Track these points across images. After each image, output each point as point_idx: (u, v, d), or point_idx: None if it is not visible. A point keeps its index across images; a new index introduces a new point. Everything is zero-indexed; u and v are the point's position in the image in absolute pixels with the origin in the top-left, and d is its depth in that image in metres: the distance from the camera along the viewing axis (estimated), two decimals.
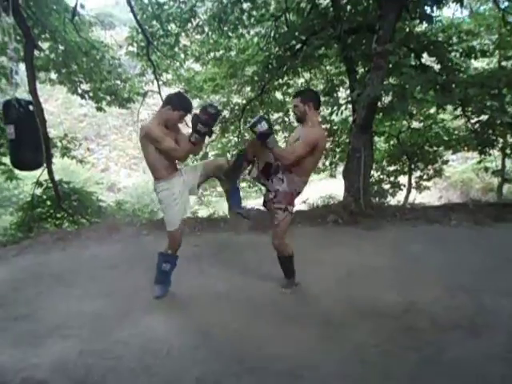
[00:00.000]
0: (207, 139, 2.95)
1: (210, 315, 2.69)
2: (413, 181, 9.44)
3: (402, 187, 9.32)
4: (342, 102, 5.94)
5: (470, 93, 5.02)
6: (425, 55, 6.08)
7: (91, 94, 8.51)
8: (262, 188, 3.43)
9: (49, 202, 7.64)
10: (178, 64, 8.83)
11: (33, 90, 6.18)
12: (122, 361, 2.18)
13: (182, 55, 8.48)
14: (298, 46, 6.58)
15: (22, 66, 6.14)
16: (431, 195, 11.78)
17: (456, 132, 8.41)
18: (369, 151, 5.56)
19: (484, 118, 6.30)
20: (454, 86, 5.30)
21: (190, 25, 7.53)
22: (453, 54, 6.19)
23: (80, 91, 8.43)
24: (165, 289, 3.00)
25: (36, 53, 6.84)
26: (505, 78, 5.36)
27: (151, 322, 2.60)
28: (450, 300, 2.81)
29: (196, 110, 2.76)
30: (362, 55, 6.20)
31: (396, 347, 2.25)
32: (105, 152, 34.32)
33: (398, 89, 5.16)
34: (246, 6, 7.06)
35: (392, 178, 9.47)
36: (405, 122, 8.63)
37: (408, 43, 5.79)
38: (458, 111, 6.78)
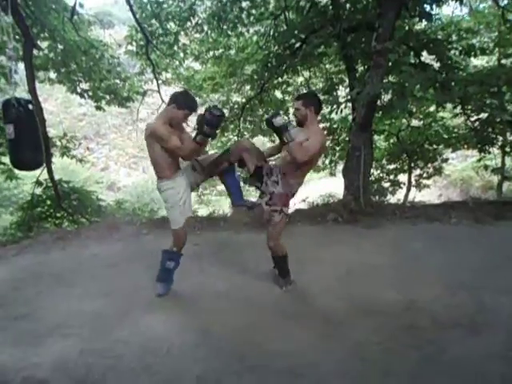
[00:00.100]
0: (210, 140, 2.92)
1: (210, 314, 2.70)
2: (413, 179, 9.44)
3: (401, 185, 9.33)
4: (341, 100, 5.93)
5: (470, 91, 5.01)
6: (424, 53, 6.07)
7: (90, 93, 8.50)
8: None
9: (49, 202, 7.64)
10: (177, 63, 8.82)
11: (32, 90, 6.17)
12: (123, 360, 2.19)
13: (182, 54, 8.46)
14: (298, 45, 6.57)
15: (21, 66, 6.13)
16: (431, 193, 11.79)
17: (456, 130, 8.41)
18: (368, 149, 5.56)
19: (484, 116, 6.29)
20: (453, 84, 5.29)
21: (189, 23, 7.51)
22: (452, 51, 6.18)
23: (79, 90, 8.42)
24: (167, 287, 3.01)
25: (35, 52, 6.84)
26: (504, 76, 5.34)
27: (151, 320, 2.61)
28: (451, 298, 2.81)
29: (201, 111, 2.75)
30: (361, 53, 6.19)
31: (396, 345, 2.26)
32: (104, 151, 34.29)
33: (397, 87, 5.16)
34: (245, 4, 7.04)
35: (392, 177, 9.47)
36: (404, 121, 8.63)
37: (407, 41, 5.78)
38: (458, 109, 6.76)
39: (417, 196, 8.55)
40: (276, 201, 2.85)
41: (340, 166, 8.42)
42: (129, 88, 8.93)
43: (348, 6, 6.10)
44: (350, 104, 6.05)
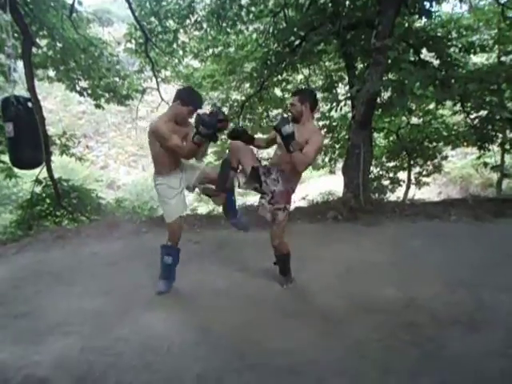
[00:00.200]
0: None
1: (210, 312, 2.70)
2: (412, 177, 9.46)
3: (401, 183, 9.34)
4: (341, 98, 5.94)
5: (470, 88, 5.02)
6: (424, 51, 6.08)
7: (90, 92, 8.49)
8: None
9: (48, 200, 7.64)
10: (176, 61, 8.80)
11: (31, 88, 6.16)
12: (123, 357, 2.19)
13: (181, 52, 8.44)
14: (297, 42, 6.56)
15: (20, 64, 6.13)
16: (431, 191, 11.81)
17: (455, 127, 8.42)
18: (368, 147, 5.56)
19: (483, 113, 6.30)
20: (453, 81, 5.30)
21: (188, 21, 7.50)
22: (452, 49, 6.18)
23: (78, 88, 8.41)
24: (168, 284, 3.02)
25: (34, 50, 6.82)
26: (504, 74, 5.36)
27: (151, 318, 2.61)
28: (450, 296, 2.82)
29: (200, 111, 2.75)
30: (361, 51, 6.18)
31: (396, 343, 2.26)
32: (104, 149, 34.24)
33: (397, 84, 5.16)
34: (244, 1, 7.03)
35: (391, 174, 9.49)
36: (404, 118, 8.63)
37: (407, 38, 5.78)
38: (458, 107, 6.79)
39: (416, 193, 8.57)
40: (279, 198, 2.85)
41: (340, 164, 8.43)
42: (128, 86, 8.91)
43: (347, 3, 6.09)
44: (349, 102, 6.06)
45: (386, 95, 6.02)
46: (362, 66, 6.88)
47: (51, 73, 8.32)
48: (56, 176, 7.38)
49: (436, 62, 5.98)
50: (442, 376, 1.99)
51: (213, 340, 2.35)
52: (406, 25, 6.41)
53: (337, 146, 9.13)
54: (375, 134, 8.48)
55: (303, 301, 2.86)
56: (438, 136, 8.55)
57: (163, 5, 7.41)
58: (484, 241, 3.94)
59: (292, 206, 5.62)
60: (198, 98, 2.83)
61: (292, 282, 3.08)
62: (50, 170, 7.00)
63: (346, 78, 7.07)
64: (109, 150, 34.33)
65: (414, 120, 8.88)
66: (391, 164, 9.55)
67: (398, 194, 8.93)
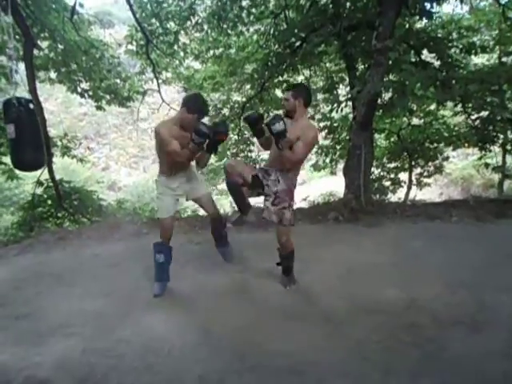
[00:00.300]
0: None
1: (211, 313, 2.70)
2: (413, 177, 9.44)
3: (402, 184, 9.33)
4: (341, 99, 5.94)
5: (471, 89, 5.01)
6: (425, 51, 6.07)
7: (91, 93, 8.50)
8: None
9: (49, 202, 7.64)
10: (177, 62, 8.81)
11: (33, 90, 6.17)
12: (125, 359, 2.19)
13: (182, 53, 8.45)
14: (298, 44, 6.56)
15: (22, 66, 6.14)
16: (432, 192, 11.79)
17: (456, 128, 8.40)
18: (369, 148, 5.55)
19: (484, 114, 6.29)
20: (454, 82, 5.29)
21: (189, 23, 7.51)
22: (453, 50, 6.18)
23: (80, 90, 8.42)
24: (163, 287, 3.03)
25: (35, 52, 6.84)
26: (505, 74, 5.35)
27: (153, 320, 2.61)
28: (451, 296, 2.81)
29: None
30: (361, 52, 6.19)
31: (397, 344, 2.26)
32: (105, 151, 34.30)
33: (398, 85, 5.16)
34: (245, 3, 7.04)
35: (392, 175, 9.47)
36: (405, 119, 8.62)
37: (408, 40, 5.78)
38: (459, 107, 6.76)
39: (417, 194, 8.56)
40: (283, 196, 2.85)
41: (341, 165, 8.41)
42: (129, 88, 8.92)
43: (348, 4, 6.10)
44: (350, 103, 6.05)
45: (386, 96, 6.01)
46: (362, 67, 6.88)
47: (52, 74, 8.33)
48: (57, 177, 7.39)
49: (437, 63, 5.98)
50: (443, 377, 1.98)
51: (214, 341, 2.35)
52: (407, 26, 6.41)
53: (338, 147, 9.11)
54: (376, 135, 8.47)
55: (304, 302, 2.86)
56: (439, 137, 8.53)
57: (164, 6, 7.43)
58: (485, 242, 3.93)
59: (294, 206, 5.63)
60: (204, 106, 2.85)
61: (295, 283, 3.08)
62: (51, 171, 7.01)
63: (347, 79, 7.06)
64: (110, 151, 34.39)
65: (415, 121, 8.87)
66: (392, 165, 9.54)
67: (399, 195, 8.92)
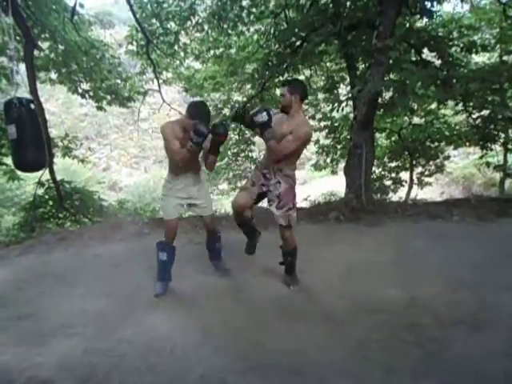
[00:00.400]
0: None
1: (213, 313, 2.70)
2: (414, 177, 9.44)
3: (403, 183, 9.33)
4: (342, 98, 5.94)
5: (471, 88, 5.01)
6: (425, 50, 6.06)
7: (91, 94, 8.50)
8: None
9: (51, 202, 7.65)
10: (177, 62, 8.81)
11: (33, 90, 6.18)
12: (126, 359, 2.20)
13: (182, 53, 8.44)
14: (298, 43, 6.56)
15: (22, 66, 6.14)
16: (433, 191, 11.77)
17: (457, 127, 8.40)
18: (370, 147, 5.55)
19: (485, 112, 6.29)
20: (454, 81, 5.29)
21: (189, 23, 7.51)
22: (453, 48, 6.17)
23: (80, 91, 8.42)
24: (164, 286, 3.04)
25: (36, 53, 6.84)
26: (506, 73, 5.35)
27: (154, 320, 2.61)
28: (452, 296, 2.81)
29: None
30: (362, 51, 6.18)
31: (398, 343, 2.26)
32: (106, 151, 34.32)
33: (398, 85, 5.15)
34: (245, 3, 7.04)
35: (393, 174, 9.47)
36: (406, 118, 8.61)
37: (408, 39, 5.78)
38: (460, 106, 6.76)
39: (419, 194, 8.53)
40: (286, 199, 2.86)
41: (341, 165, 8.42)
42: (130, 88, 8.92)
43: (348, 3, 6.09)
44: (351, 102, 6.05)
45: (387, 95, 6.01)
46: (363, 66, 6.87)
47: (53, 75, 8.33)
48: (58, 178, 7.39)
49: (437, 62, 5.97)
50: (445, 377, 1.98)
51: (216, 341, 2.35)
52: (407, 25, 6.40)
53: (339, 147, 9.12)
54: (377, 135, 8.47)
55: (305, 301, 2.86)
56: (440, 136, 8.53)
57: (164, 7, 7.42)
58: (486, 241, 3.92)
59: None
60: (204, 114, 2.86)
61: (297, 283, 3.08)
62: (52, 172, 7.01)
63: (348, 79, 7.06)
64: (111, 151, 34.42)
65: (416, 120, 8.86)
66: (393, 164, 9.53)
67: (400, 195, 8.91)
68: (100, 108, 8.72)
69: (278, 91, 8.66)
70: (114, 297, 3.00)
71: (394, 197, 8.53)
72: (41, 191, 7.57)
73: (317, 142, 9.43)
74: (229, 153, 9.86)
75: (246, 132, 9.04)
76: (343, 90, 8.07)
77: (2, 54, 6.81)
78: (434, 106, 7.95)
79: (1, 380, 2.07)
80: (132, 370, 2.10)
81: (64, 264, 3.81)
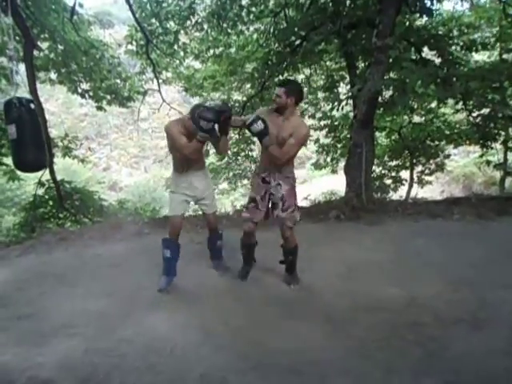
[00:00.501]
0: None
1: (213, 312, 2.70)
2: (414, 175, 9.43)
3: (403, 182, 9.32)
4: (342, 97, 5.94)
5: (471, 86, 5.01)
6: (425, 49, 6.06)
7: (91, 94, 8.50)
8: None
9: (51, 202, 7.66)
10: (177, 62, 8.80)
11: (33, 90, 6.18)
12: (127, 359, 2.20)
13: (182, 53, 8.43)
14: (298, 42, 6.56)
15: (22, 66, 6.14)
16: (433, 190, 11.77)
17: (457, 126, 8.39)
18: (370, 146, 5.55)
19: (485, 111, 6.28)
20: (454, 79, 5.28)
21: (189, 22, 7.49)
22: (453, 47, 6.17)
23: (80, 91, 8.42)
24: (168, 281, 3.09)
25: (35, 53, 6.84)
26: (506, 71, 5.34)
27: (155, 320, 2.61)
28: (453, 294, 2.81)
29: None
30: (362, 50, 6.18)
31: (399, 342, 2.26)
32: (106, 151, 34.37)
33: (398, 83, 5.15)
34: (244, 2, 7.03)
35: (394, 173, 9.47)
36: (406, 117, 8.61)
37: (408, 37, 5.77)
38: (460, 105, 6.76)
39: (419, 192, 8.53)
40: (290, 200, 2.88)
41: (342, 164, 8.42)
42: (129, 88, 8.92)
43: (348, 2, 6.08)
44: (350, 101, 6.05)
45: (387, 94, 6.00)
46: (363, 65, 6.87)
47: (53, 75, 8.33)
48: (58, 178, 7.40)
49: (437, 61, 5.96)
50: (445, 375, 1.98)
51: (216, 341, 2.35)
52: (407, 23, 6.40)
53: (339, 146, 9.12)
54: (377, 133, 8.46)
55: (306, 300, 2.86)
56: (440, 134, 8.52)
57: (164, 6, 7.42)
58: (487, 239, 3.92)
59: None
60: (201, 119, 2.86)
61: (298, 282, 3.08)
62: (52, 172, 7.01)
63: (348, 78, 7.06)
64: (111, 151, 34.46)
65: (416, 119, 8.86)
66: (393, 163, 9.53)
67: (400, 193, 8.91)
68: (100, 108, 8.72)
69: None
70: (114, 297, 3.00)
71: (395, 196, 8.53)
72: (41, 191, 7.57)
73: (317, 140, 9.43)
74: (229, 152, 9.85)
75: (246, 131, 9.02)
76: (343, 88, 8.07)
77: (2, 54, 6.81)
78: (434, 104, 7.94)
79: (1, 380, 2.07)
80: (132, 370, 2.10)
81: (64, 264, 3.81)
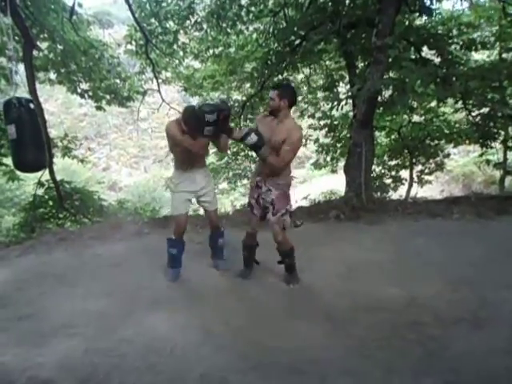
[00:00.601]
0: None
1: (213, 312, 2.70)
2: (414, 175, 9.42)
3: (403, 181, 9.31)
4: (342, 97, 5.92)
5: (471, 85, 5.00)
6: (425, 48, 6.05)
7: (91, 94, 8.49)
8: None
9: (51, 202, 7.65)
10: (177, 61, 8.79)
11: (33, 90, 6.17)
12: (127, 359, 2.20)
13: (181, 53, 8.43)
14: (297, 42, 6.55)
15: (22, 67, 6.14)
16: (433, 189, 11.76)
17: (457, 125, 8.38)
18: (370, 146, 5.55)
19: (485, 110, 6.28)
20: (454, 79, 5.28)
21: (188, 22, 7.49)
22: (453, 46, 6.15)
23: (79, 91, 8.41)
24: (175, 273, 3.20)
25: (35, 53, 6.83)
26: (506, 71, 5.34)
27: (155, 320, 2.61)
28: (453, 294, 2.81)
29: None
30: (361, 49, 6.17)
31: (399, 342, 2.26)
32: (105, 151, 34.35)
33: (398, 83, 5.14)
34: (244, 1, 7.02)
35: (393, 173, 9.46)
36: (405, 116, 8.59)
37: (408, 37, 5.76)
38: (459, 104, 6.75)
39: (419, 192, 8.53)
40: (279, 205, 2.89)
41: (341, 163, 8.41)
42: (129, 88, 8.91)
43: (347, 2, 6.07)
44: (350, 100, 6.04)
45: (387, 94, 5.99)
46: (362, 64, 6.86)
47: (52, 75, 8.32)
48: (58, 178, 7.39)
49: (437, 60, 5.95)
50: (446, 375, 1.98)
51: (216, 340, 2.35)
52: (407, 23, 6.39)
53: (338, 145, 9.10)
54: (377, 133, 8.46)
55: (306, 300, 2.86)
56: (439, 134, 8.51)
57: (163, 6, 7.41)
58: (487, 238, 3.92)
59: (294, 206, 5.62)
60: (192, 121, 2.86)
61: (298, 282, 3.08)
62: (52, 172, 7.01)
63: (347, 77, 7.05)
64: (110, 151, 34.44)
65: (416, 118, 8.85)
66: (393, 162, 9.52)
67: (400, 193, 8.90)
68: (99, 108, 8.71)
69: None
70: (114, 297, 3.00)
71: (394, 195, 8.53)
72: (41, 191, 7.57)
73: (316, 140, 9.42)
74: (228, 152, 9.84)
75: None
76: (343, 88, 8.05)
77: (1, 54, 6.80)
78: (433, 104, 7.93)
79: (1, 380, 2.07)
80: (132, 370, 2.10)
81: (64, 264, 3.81)
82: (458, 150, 15.48)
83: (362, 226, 4.61)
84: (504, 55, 7.72)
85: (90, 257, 3.99)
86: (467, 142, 8.22)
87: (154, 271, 3.34)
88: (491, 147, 7.11)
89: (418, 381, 1.96)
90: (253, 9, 7.12)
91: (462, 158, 17.45)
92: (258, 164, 3.10)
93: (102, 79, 8.28)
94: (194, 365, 2.13)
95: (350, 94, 5.82)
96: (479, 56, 7.82)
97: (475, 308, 2.59)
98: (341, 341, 2.30)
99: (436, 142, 8.84)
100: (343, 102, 5.73)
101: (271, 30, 6.98)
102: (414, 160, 9.23)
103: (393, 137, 9.33)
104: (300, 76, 8.75)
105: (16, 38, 6.32)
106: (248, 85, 8.56)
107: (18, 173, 6.72)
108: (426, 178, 9.60)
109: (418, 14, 5.73)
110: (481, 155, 8.25)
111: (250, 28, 7.81)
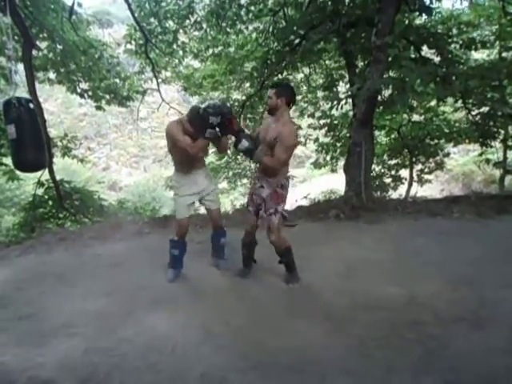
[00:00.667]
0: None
1: (213, 312, 2.71)
2: (414, 174, 9.43)
3: (403, 181, 9.32)
4: (341, 96, 5.92)
5: (471, 85, 5.00)
6: (424, 47, 6.05)
7: (90, 93, 8.49)
8: None
9: (51, 202, 7.65)
10: (176, 61, 8.79)
11: (32, 90, 6.16)
12: (127, 358, 2.20)
13: (181, 52, 8.42)
14: (297, 41, 6.55)
15: (21, 66, 6.13)
16: (433, 188, 11.76)
17: (457, 124, 8.38)
18: (369, 145, 5.55)
19: (485, 109, 6.27)
20: (454, 78, 5.28)
21: (188, 21, 7.49)
22: (453, 45, 6.15)
23: (79, 90, 8.40)
24: (176, 273, 3.21)
25: (34, 52, 6.83)
26: (505, 70, 5.33)
27: (155, 319, 2.62)
28: (453, 293, 2.81)
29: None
30: (361, 49, 6.17)
31: (399, 341, 2.26)
32: (105, 151, 34.32)
33: (397, 82, 5.14)
34: (243, 1, 7.02)
35: (393, 172, 9.46)
36: (405, 116, 8.60)
37: (407, 36, 5.76)
38: (459, 103, 6.75)
39: (418, 191, 8.53)
40: (269, 203, 2.90)
41: (341, 163, 8.41)
42: (128, 87, 8.91)
43: (347, 1, 6.07)
44: (350, 100, 6.04)
45: (386, 93, 5.99)
46: (362, 64, 6.86)
47: (52, 75, 8.32)
48: (58, 178, 7.39)
49: (437, 59, 5.95)
50: (445, 374, 1.98)
51: (216, 340, 2.35)
52: (407, 22, 6.39)
53: (338, 145, 9.11)
54: (376, 132, 8.46)
55: (306, 300, 2.86)
56: (439, 133, 8.52)
57: (162, 5, 7.40)
58: (486, 238, 3.92)
59: (294, 206, 5.62)
60: (197, 119, 2.87)
61: (298, 281, 3.08)
62: (51, 172, 7.01)
63: (347, 77, 7.05)
64: (110, 151, 34.42)
65: (416, 117, 8.85)
66: (393, 162, 9.53)
67: (399, 192, 8.91)
68: (99, 107, 8.71)
69: None
70: (114, 296, 3.00)
71: (394, 194, 8.53)
72: (40, 191, 7.57)
73: (316, 140, 9.42)
74: (228, 151, 9.84)
75: (246, 131, 9.01)
76: (342, 87, 8.05)
77: (1, 54, 6.80)
78: (433, 103, 7.94)
79: (2, 380, 2.07)
80: (133, 370, 2.11)
81: (64, 264, 3.81)
82: (458, 149, 15.49)
83: (361, 225, 4.61)
84: (504, 54, 7.73)
85: (89, 257, 3.99)
86: (467, 141, 8.23)
87: (154, 271, 3.35)
88: (491, 146, 7.11)
89: (417, 380, 1.96)
90: (252, 8, 7.13)
91: (461, 157, 17.47)
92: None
93: (102, 79, 8.28)
94: (194, 364, 2.13)
95: (349, 93, 5.82)
96: (479, 55, 7.82)
97: (475, 307, 2.59)
98: (340, 340, 2.31)
99: (436, 141, 8.85)
100: (343, 102, 5.73)
101: (271, 29, 6.98)
102: (413, 159, 9.24)
103: (393, 136, 9.33)
104: (300, 75, 8.75)
105: (15, 37, 6.32)
106: (248, 84, 8.56)
107: (18, 172, 6.71)
108: (426, 177, 9.61)
109: (417, 13, 5.74)
110: (481, 154, 8.25)
111: (250, 27, 7.82)
